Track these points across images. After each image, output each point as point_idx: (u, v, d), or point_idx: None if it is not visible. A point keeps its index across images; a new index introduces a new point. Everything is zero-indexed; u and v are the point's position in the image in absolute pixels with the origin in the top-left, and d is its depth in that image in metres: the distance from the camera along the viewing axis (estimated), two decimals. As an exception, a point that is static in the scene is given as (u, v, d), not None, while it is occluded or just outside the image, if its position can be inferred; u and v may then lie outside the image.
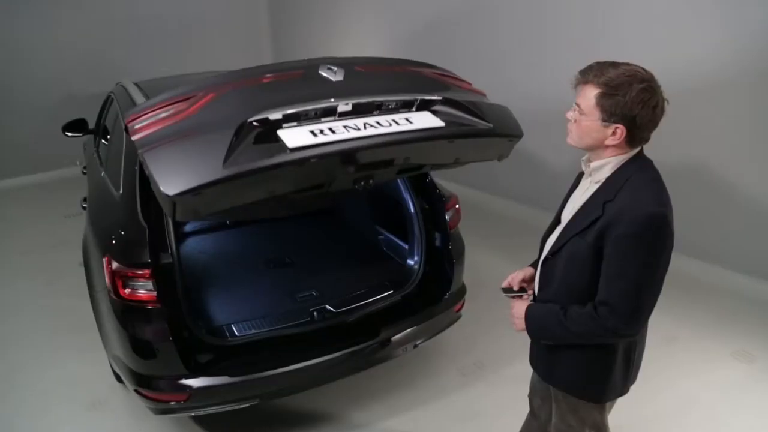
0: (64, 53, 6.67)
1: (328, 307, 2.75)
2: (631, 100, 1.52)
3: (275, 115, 1.91)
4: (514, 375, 2.88)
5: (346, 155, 1.95)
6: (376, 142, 1.96)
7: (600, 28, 4.35)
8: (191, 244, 3.67)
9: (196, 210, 1.89)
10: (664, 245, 1.57)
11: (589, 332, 1.63)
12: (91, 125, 4.31)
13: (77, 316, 3.58)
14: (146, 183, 2.50)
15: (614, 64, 1.57)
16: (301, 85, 2.13)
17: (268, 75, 2.17)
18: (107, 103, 3.94)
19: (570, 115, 1.67)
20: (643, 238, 1.54)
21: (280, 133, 1.88)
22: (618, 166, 1.65)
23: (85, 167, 4.27)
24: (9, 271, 4.58)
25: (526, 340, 1.92)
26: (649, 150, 1.69)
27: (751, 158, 3.80)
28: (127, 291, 2.31)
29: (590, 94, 1.58)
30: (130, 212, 2.44)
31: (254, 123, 1.88)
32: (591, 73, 1.59)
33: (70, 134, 4.26)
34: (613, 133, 1.58)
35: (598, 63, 1.60)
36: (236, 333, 2.62)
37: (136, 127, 1.97)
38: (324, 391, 2.87)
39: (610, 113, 1.56)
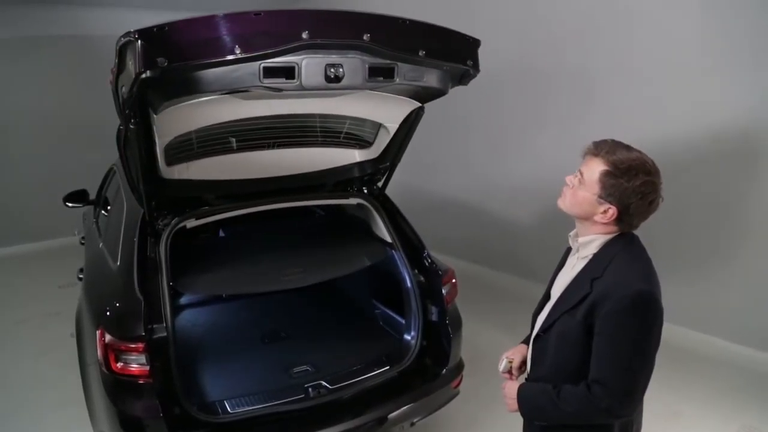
0: (62, 120, 6.82)
1: (324, 383, 2.69)
2: (632, 188, 1.55)
3: None
4: (514, 455, 2.80)
5: (301, 16, 1.96)
6: (327, 9, 2.03)
7: (593, 113, 4.49)
8: (186, 317, 3.63)
9: (158, 61, 1.79)
10: (653, 322, 1.56)
11: (584, 412, 1.60)
12: (92, 195, 4.36)
13: (66, 390, 3.50)
14: (144, 255, 2.52)
15: (628, 148, 1.61)
16: None
17: None
18: (109, 174, 4.01)
19: (570, 180, 1.70)
20: (632, 315, 1.53)
21: None
22: (605, 242, 1.67)
23: (83, 237, 4.29)
24: (0, 340, 4.50)
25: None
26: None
27: (751, 229, 3.84)
28: (120, 365, 2.26)
29: (596, 168, 1.60)
30: (126, 284, 2.43)
31: None
32: (604, 149, 1.61)
33: (70, 204, 4.30)
34: (604, 212, 1.61)
35: (613, 141, 1.64)
36: (229, 410, 2.55)
37: None
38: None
39: (608, 193, 1.58)
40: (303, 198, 3.04)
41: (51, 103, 6.75)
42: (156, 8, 6.77)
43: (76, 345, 3.07)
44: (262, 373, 2.93)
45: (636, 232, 1.70)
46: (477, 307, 4.22)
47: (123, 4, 6.76)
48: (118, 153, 2.50)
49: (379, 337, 3.27)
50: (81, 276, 3.34)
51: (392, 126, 2.85)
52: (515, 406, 1.78)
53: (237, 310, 3.77)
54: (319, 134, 2.89)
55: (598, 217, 1.63)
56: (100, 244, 3.17)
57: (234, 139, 2.68)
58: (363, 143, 3.03)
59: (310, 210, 4.08)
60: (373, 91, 2.41)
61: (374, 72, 2.18)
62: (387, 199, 3.21)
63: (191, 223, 2.71)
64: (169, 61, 1.78)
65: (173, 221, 2.62)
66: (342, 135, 2.93)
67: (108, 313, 2.40)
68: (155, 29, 1.77)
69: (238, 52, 1.87)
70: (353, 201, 3.14)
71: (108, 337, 2.26)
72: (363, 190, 3.20)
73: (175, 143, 2.46)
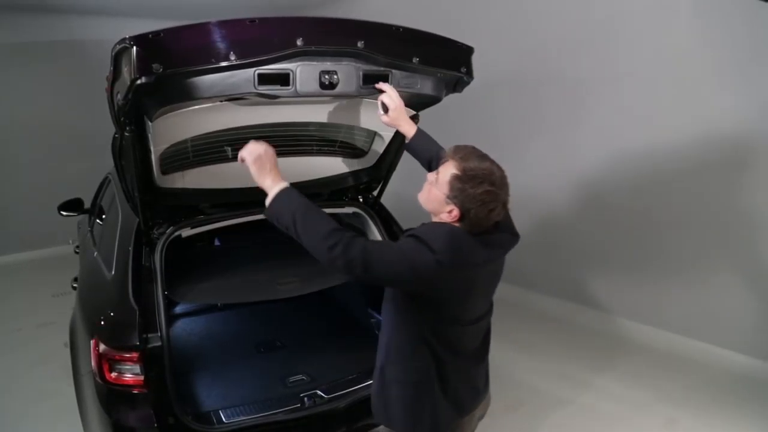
0: (57, 128, 6.81)
1: (319, 392, 2.68)
2: (474, 195, 1.68)
3: None
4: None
5: (296, 23, 1.98)
6: (323, 17, 2.08)
7: (585, 121, 4.52)
8: (181, 327, 3.61)
9: (153, 68, 1.81)
10: (424, 256, 1.64)
11: (316, 241, 1.69)
12: (87, 204, 4.35)
13: (59, 401, 3.47)
14: (139, 264, 2.51)
15: (482, 158, 1.74)
16: None
17: None
18: (104, 183, 4.00)
19: (430, 177, 1.83)
20: (418, 239, 1.67)
21: None
22: None
23: (77, 246, 4.27)
24: (-8, 351, 4.48)
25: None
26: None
27: (749, 237, 3.84)
28: (114, 375, 2.25)
29: (449, 170, 1.73)
30: (120, 293, 2.42)
31: None
32: (459, 154, 1.74)
33: (65, 213, 4.28)
34: (449, 212, 1.73)
35: (473, 148, 1.77)
36: (224, 419, 2.53)
37: None
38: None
39: (454, 195, 1.71)
40: None
41: (45, 111, 6.73)
42: (151, 17, 6.79)
43: (70, 354, 3.05)
44: (257, 383, 2.92)
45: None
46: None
47: (118, 12, 6.77)
48: (113, 161, 2.51)
49: (374, 346, 3.24)
50: (75, 285, 3.33)
51: (387, 134, 2.85)
52: (249, 156, 1.89)
53: (232, 319, 3.76)
54: (314, 143, 2.89)
55: (443, 216, 1.75)
56: (95, 253, 3.16)
57: (229, 148, 2.69)
58: (358, 152, 3.04)
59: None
60: (367, 99, 2.42)
61: (368, 79, 2.20)
62: (382, 207, 3.21)
63: (186, 232, 2.71)
64: (164, 68, 1.79)
65: (168, 230, 2.61)
66: (337, 144, 2.94)
67: (102, 323, 2.39)
68: (150, 35, 1.78)
69: (232, 58, 1.88)
70: (349, 210, 3.14)
71: (102, 347, 2.25)
72: (358, 198, 3.21)
73: (170, 152, 2.46)
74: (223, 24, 1.90)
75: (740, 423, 3.38)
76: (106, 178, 3.97)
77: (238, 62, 1.89)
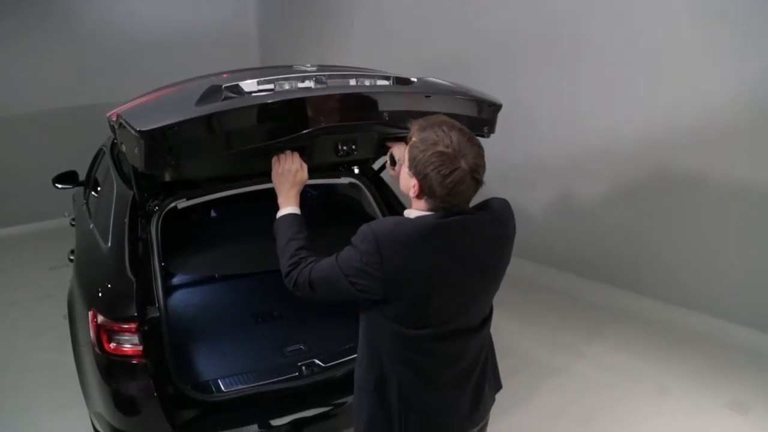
0: (51, 102, 6.74)
1: (317, 361, 2.71)
2: (425, 160, 1.52)
3: (249, 86, 1.97)
4: None
5: (314, 101, 1.95)
6: (347, 92, 2.01)
7: (594, 92, 4.48)
8: (178, 297, 3.62)
9: (167, 160, 1.78)
10: (359, 260, 1.58)
11: (282, 258, 1.84)
12: (81, 176, 4.32)
13: (59, 372, 3.50)
14: (135, 236, 2.51)
15: (441, 124, 1.56)
16: (277, 72, 2.20)
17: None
18: (99, 155, 3.97)
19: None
20: (351, 243, 1.62)
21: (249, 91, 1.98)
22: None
23: (73, 219, 4.26)
24: (-10, 324, 4.49)
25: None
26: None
27: (743, 210, 3.86)
28: (112, 345, 2.26)
29: (411, 140, 1.61)
30: (117, 265, 2.42)
31: (226, 87, 1.95)
32: (419, 124, 1.60)
33: (60, 186, 4.26)
34: (414, 186, 1.58)
35: (439, 118, 1.60)
36: (223, 388, 2.56)
37: (116, 110, 2.04)
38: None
39: (411, 165, 1.57)
40: None
41: (41, 85, 6.64)
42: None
43: (69, 326, 3.06)
44: (255, 352, 2.94)
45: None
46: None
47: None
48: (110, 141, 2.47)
49: None
50: (72, 258, 3.33)
51: None
52: (276, 168, 1.94)
53: (229, 289, 3.77)
54: None
55: (411, 192, 1.61)
56: (91, 225, 3.14)
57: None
58: None
59: (303, 190, 4.05)
60: None
61: (387, 139, 2.20)
62: (381, 180, 3.18)
63: (182, 203, 2.69)
64: (177, 160, 1.78)
65: (164, 202, 2.60)
66: None
67: (100, 294, 2.39)
68: (164, 131, 1.71)
69: (251, 144, 1.86)
70: (345, 180, 3.13)
71: (100, 318, 2.26)
72: (354, 169, 3.18)
73: None
74: (242, 111, 1.84)
75: (733, 390, 3.44)
76: (100, 150, 3.93)
77: (257, 145, 1.87)
